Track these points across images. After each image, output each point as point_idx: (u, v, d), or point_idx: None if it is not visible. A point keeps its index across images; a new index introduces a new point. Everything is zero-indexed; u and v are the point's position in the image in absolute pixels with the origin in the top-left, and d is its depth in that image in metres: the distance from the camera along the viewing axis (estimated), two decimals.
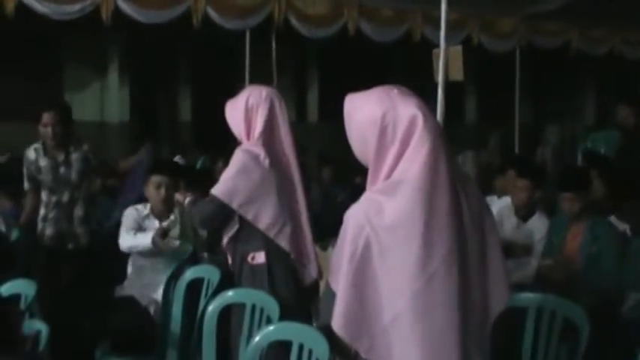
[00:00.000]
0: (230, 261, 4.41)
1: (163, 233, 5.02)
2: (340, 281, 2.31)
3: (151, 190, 5.25)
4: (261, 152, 4.13)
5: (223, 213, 4.19)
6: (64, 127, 5.65)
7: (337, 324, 2.31)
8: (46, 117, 5.59)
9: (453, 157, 2.40)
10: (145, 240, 5.05)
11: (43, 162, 5.65)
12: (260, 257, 4.24)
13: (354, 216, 2.34)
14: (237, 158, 4.15)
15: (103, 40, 12.01)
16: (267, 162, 4.13)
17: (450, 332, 2.27)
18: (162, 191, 5.20)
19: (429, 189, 2.27)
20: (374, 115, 2.34)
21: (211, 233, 4.99)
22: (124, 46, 12.30)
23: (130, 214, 5.26)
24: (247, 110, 4.18)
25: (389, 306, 2.27)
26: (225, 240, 4.34)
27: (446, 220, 2.28)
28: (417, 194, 2.26)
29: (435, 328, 2.26)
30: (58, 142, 5.62)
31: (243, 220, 4.21)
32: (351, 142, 2.46)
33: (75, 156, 5.67)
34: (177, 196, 4.95)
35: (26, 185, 5.80)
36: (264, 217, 4.15)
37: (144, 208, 5.31)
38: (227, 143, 5.02)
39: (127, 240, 5.15)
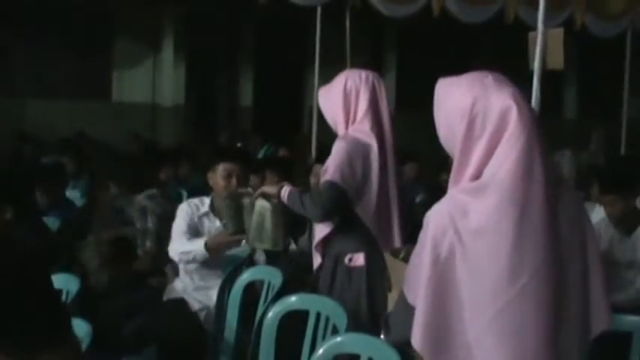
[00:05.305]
0: (317, 263, 4.37)
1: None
2: (420, 291, 2.32)
3: (218, 181, 4.89)
4: (370, 141, 4.14)
5: (345, 201, 4.12)
6: None
7: (417, 339, 2.32)
8: None
9: (551, 157, 2.39)
10: (199, 246, 4.74)
11: None
12: (359, 259, 4.24)
13: (437, 217, 2.34)
14: (341, 147, 4.12)
15: (158, 13, 12.21)
16: (374, 152, 4.14)
17: (539, 354, 2.28)
18: (234, 182, 4.85)
19: (521, 192, 2.26)
20: (463, 104, 2.34)
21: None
22: (180, 19, 12.44)
23: (183, 212, 4.96)
24: (346, 95, 4.20)
25: (473, 321, 2.28)
26: (316, 240, 4.32)
27: (539, 227, 2.27)
28: (508, 197, 2.26)
29: (523, 347, 2.27)
30: None
31: (341, 219, 4.21)
32: (438, 132, 2.46)
33: None
34: (267, 189, 4.49)
35: None
36: (369, 211, 4.16)
37: (201, 204, 5.01)
38: (290, 131, 5.02)
39: (178, 245, 4.85)
